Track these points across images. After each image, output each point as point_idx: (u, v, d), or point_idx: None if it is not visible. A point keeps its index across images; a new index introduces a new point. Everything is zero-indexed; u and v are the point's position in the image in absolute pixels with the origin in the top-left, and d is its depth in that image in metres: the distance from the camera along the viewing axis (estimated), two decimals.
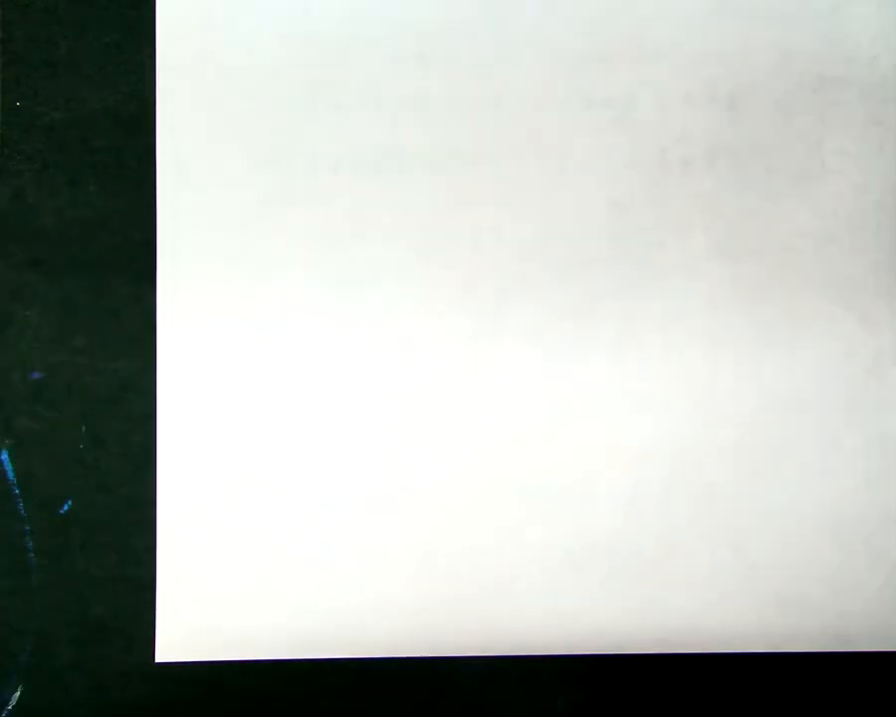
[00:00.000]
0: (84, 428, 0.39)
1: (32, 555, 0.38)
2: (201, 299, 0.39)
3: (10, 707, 0.38)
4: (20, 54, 0.39)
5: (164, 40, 0.39)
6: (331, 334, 0.39)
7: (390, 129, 0.39)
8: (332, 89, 0.39)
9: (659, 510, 0.39)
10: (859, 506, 0.40)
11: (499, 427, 0.39)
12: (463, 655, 0.39)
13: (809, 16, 0.40)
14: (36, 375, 0.39)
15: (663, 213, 0.39)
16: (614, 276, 0.39)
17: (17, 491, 0.38)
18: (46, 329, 0.39)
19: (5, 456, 0.38)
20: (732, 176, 0.40)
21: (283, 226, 0.39)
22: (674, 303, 0.39)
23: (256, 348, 0.39)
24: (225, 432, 0.39)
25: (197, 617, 0.39)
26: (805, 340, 0.40)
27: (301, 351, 0.39)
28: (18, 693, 0.39)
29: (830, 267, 0.40)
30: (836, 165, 0.40)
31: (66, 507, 0.39)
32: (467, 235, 0.39)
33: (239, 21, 0.39)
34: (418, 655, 0.39)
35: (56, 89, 0.39)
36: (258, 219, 0.39)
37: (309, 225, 0.39)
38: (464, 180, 0.39)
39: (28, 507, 0.38)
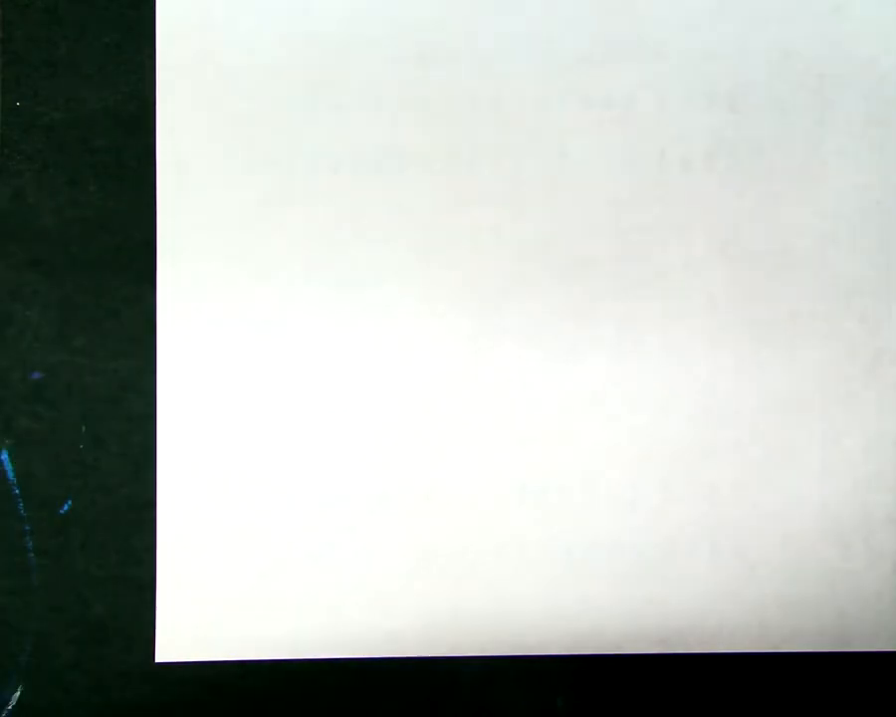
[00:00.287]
0: (84, 428, 0.39)
1: (32, 555, 0.38)
2: (201, 299, 0.38)
3: (10, 707, 0.38)
4: (20, 54, 0.39)
5: (164, 40, 0.39)
6: (331, 334, 0.39)
7: (390, 129, 0.39)
8: (332, 89, 0.39)
9: (659, 510, 0.39)
10: (859, 506, 0.40)
11: (499, 427, 0.39)
12: (463, 655, 0.39)
13: (809, 16, 0.40)
14: (36, 375, 0.39)
15: (663, 213, 0.39)
16: (614, 276, 0.39)
17: (17, 491, 0.38)
18: (46, 329, 0.39)
19: (5, 456, 0.38)
20: (732, 176, 0.40)
21: (283, 226, 0.39)
22: (674, 303, 0.39)
23: (256, 348, 0.39)
24: (225, 432, 0.39)
25: (197, 617, 0.39)
26: (805, 340, 0.40)
27: (301, 351, 0.39)
28: (18, 693, 0.39)
29: (830, 267, 0.40)
30: (836, 165, 0.40)
31: (66, 507, 0.39)
32: (467, 235, 0.39)
33: (239, 21, 0.39)
34: (418, 655, 0.39)
35: (56, 89, 0.39)
36: (258, 219, 0.39)
37: (309, 225, 0.39)
38: (464, 180, 0.39)
39: (28, 507, 0.38)
